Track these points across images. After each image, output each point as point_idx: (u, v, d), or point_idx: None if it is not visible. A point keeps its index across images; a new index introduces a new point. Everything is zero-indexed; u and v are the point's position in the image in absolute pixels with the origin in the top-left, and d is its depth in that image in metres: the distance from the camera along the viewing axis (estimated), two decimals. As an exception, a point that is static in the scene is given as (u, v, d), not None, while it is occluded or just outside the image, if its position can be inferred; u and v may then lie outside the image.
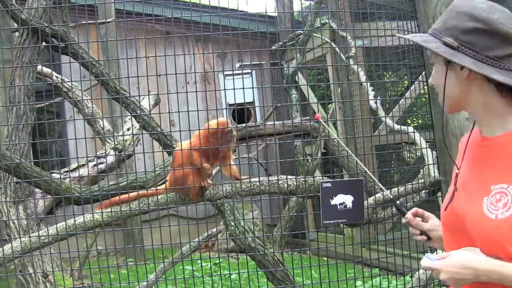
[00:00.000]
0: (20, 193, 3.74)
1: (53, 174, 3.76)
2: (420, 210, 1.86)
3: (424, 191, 3.21)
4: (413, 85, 7.26)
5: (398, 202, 1.89)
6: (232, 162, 3.01)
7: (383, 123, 5.78)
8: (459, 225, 1.60)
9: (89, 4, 7.11)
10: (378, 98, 5.56)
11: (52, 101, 5.36)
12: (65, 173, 4.01)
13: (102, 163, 4.20)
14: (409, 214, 1.84)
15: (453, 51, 1.54)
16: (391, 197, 1.95)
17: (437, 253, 1.64)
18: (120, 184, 3.26)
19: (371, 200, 3.09)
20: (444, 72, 1.59)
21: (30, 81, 3.72)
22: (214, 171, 7.16)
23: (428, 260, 1.57)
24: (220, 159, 2.92)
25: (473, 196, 1.57)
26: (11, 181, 3.70)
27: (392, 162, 8.11)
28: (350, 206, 2.76)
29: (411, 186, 3.17)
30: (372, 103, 4.90)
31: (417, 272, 3.32)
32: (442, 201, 3.19)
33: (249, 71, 9.08)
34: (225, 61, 9.77)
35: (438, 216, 1.80)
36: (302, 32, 5.04)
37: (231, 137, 2.90)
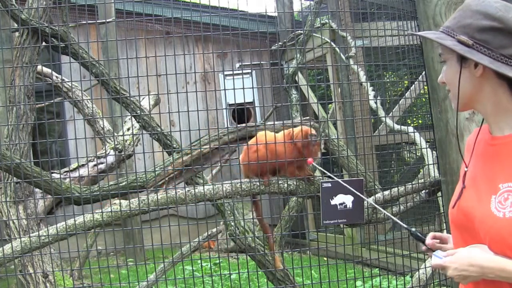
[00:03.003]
0: (20, 193, 3.74)
1: (53, 174, 3.75)
2: (437, 234, 1.80)
3: (424, 191, 3.20)
4: (413, 85, 7.26)
5: (413, 229, 1.82)
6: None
7: (383, 123, 5.79)
8: (467, 224, 1.60)
9: (89, 4, 7.11)
10: (378, 98, 5.56)
11: (52, 101, 5.36)
12: (65, 173, 4.01)
13: (102, 163, 4.20)
14: (429, 240, 1.77)
15: (468, 49, 1.56)
16: (406, 226, 1.85)
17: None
18: (120, 184, 3.25)
19: (371, 200, 3.09)
20: (457, 70, 1.61)
21: (30, 81, 3.72)
22: (214, 171, 7.17)
23: (437, 259, 1.58)
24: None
25: (481, 194, 1.57)
26: (11, 181, 3.70)
27: (392, 162, 8.11)
28: (350, 206, 2.76)
29: (411, 186, 3.17)
30: (372, 103, 4.90)
31: (417, 272, 3.32)
32: (442, 201, 3.20)
33: (249, 71, 9.08)
34: (225, 61, 9.77)
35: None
36: (302, 32, 5.04)
37: (315, 149, 2.89)
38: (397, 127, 4.53)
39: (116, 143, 4.23)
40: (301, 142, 2.83)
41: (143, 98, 4.65)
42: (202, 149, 3.13)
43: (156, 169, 3.16)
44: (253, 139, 2.99)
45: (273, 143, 2.89)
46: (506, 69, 1.53)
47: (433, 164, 3.35)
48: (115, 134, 4.51)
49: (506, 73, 1.52)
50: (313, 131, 2.89)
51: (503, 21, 1.53)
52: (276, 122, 3.26)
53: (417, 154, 7.93)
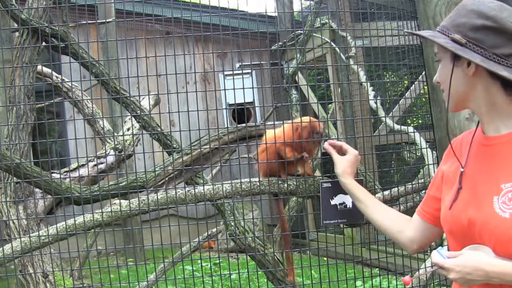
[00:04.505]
0: (20, 193, 3.74)
1: (53, 174, 3.76)
2: (336, 143, 2.30)
3: (424, 191, 3.20)
4: (413, 85, 7.26)
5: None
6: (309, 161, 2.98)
7: (383, 123, 5.79)
8: (463, 229, 1.58)
9: (89, 4, 7.11)
10: (378, 98, 5.56)
11: (52, 101, 5.36)
12: (65, 173, 4.01)
13: (102, 163, 4.20)
14: (327, 145, 2.28)
15: (460, 47, 1.56)
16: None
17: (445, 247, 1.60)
18: (120, 184, 3.25)
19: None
20: (450, 68, 1.60)
21: (30, 81, 3.72)
22: (214, 171, 7.16)
23: (439, 256, 1.55)
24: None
25: (481, 196, 1.56)
26: (11, 181, 3.70)
27: (392, 162, 8.11)
28: (350, 206, 2.76)
29: (411, 186, 3.17)
30: (372, 103, 4.90)
31: (417, 272, 3.31)
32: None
33: (249, 71, 9.09)
34: (225, 61, 9.77)
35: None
36: (302, 32, 5.04)
37: (317, 139, 2.89)
38: (397, 127, 4.52)
39: (116, 143, 4.23)
40: (303, 133, 2.85)
41: (143, 98, 4.65)
42: (202, 149, 3.13)
43: (156, 169, 3.15)
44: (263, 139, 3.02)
45: (273, 141, 2.89)
46: (498, 68, 1.52)
47: (433, 164, 3.34)
48: (115, 134, 4.51)
49: (497, 72, 1.51)
50: (320, 129, 2.91)
51: (496, 20, 1.53)
52: (276, 122, 3.26)
53: (417, 154, 7.94)
